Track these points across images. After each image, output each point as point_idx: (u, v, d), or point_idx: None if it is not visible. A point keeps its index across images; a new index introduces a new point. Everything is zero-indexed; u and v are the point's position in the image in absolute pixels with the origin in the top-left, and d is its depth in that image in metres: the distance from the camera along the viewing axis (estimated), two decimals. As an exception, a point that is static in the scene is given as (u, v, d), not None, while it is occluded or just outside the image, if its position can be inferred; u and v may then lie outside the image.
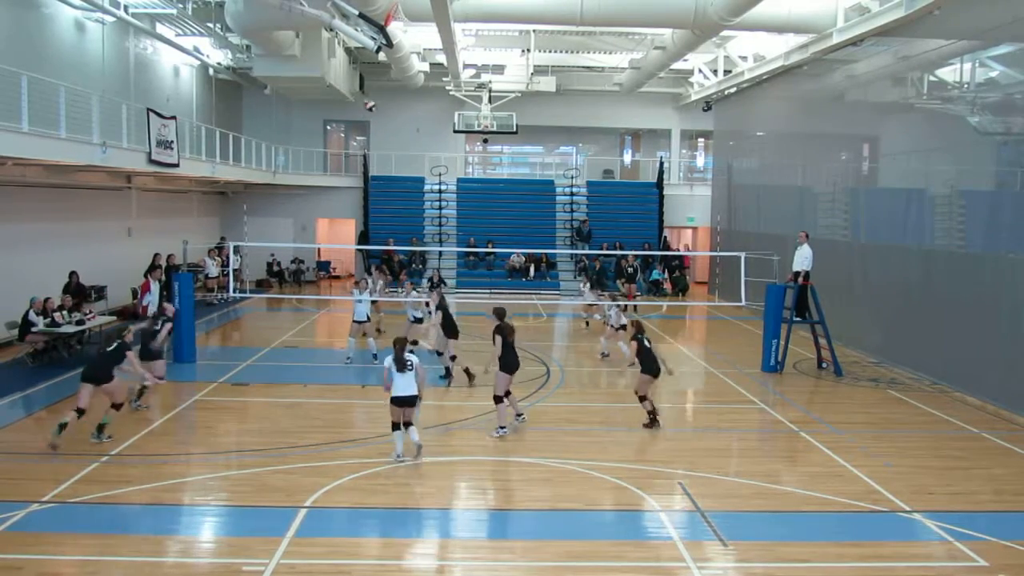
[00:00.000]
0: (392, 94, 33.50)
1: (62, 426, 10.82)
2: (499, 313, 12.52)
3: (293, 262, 32.80)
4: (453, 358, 15.18)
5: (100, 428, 11.29)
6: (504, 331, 12.06)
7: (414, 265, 31.34)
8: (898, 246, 18.36)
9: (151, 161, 19.85)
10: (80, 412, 10.98)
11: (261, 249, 30.44)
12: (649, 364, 12.50)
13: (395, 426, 10.72)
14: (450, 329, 15.08)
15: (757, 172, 28.27)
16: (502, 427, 11.99)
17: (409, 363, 10.66)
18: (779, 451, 12.01)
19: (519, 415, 12.48)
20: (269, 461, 10.61)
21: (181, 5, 22.59)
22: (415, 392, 10.69)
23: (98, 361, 11.46)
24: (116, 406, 11.39)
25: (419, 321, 17.62)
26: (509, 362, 12.02)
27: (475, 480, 10.48)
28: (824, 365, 17.12)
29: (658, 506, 9.41)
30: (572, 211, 33.46)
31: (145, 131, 19.72)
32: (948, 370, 15.77)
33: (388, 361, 10.71)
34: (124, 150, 18.69)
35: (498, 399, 12.02)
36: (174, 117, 21.26)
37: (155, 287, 17.87)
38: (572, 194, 33.95)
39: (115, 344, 11.52)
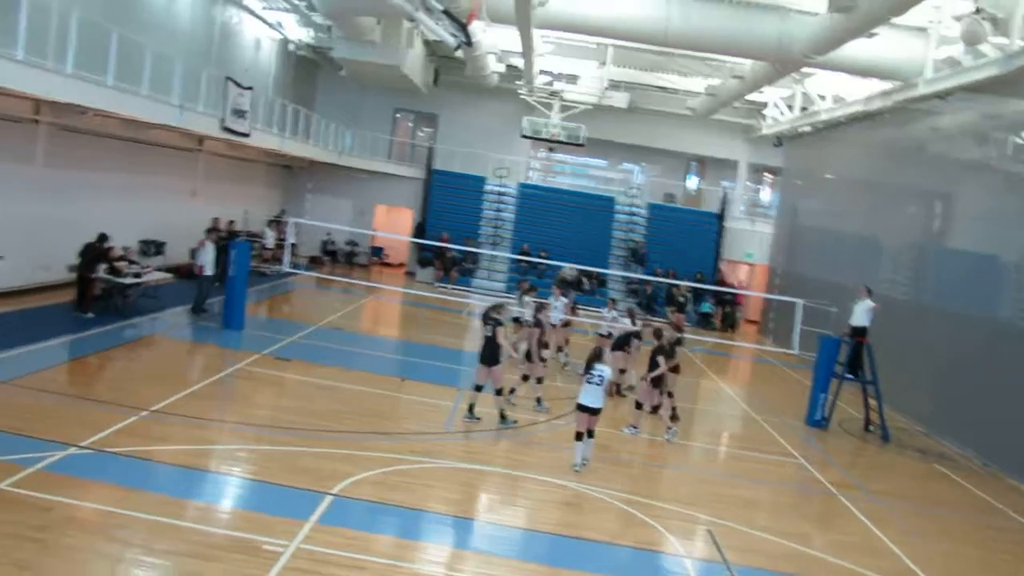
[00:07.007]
0: (464, 91, 33.59)
1: (471, 407, 12.75)
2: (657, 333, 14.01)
3: (348, 243, 33.07)
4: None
5: (471, 408, 12.83)
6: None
7: (466, 264, 31.39)
8: (963, 313, 17.72)
9: (224, 128, 20.15)
10: (477, 388, 12.76)
11: (317, 227, 30.69)
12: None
13: (578, 436, 11.23)
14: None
15: (823, 215, 27.74)
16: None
17: (598, 375, 11.12)
18: (813, 512, 11.67)
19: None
20: (300, 441, 10.63)
21: (271, -21, 22.93)
22: (598, 405, 11.17)
23: (486, 345, 12.65)
24: (497, 390, 12.83)
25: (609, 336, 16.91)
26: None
27: (501, 493, 10.38)
28: (871, 428, 16.56)
29: (682, 550, 9.19)
30: (629, 231, 33.18)
31: (222, 98, 20.03)
32: (1002, 453, 15.06)
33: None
34: (200, 114, 18.99)
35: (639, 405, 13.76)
36: (251, 88, 21.54)
37: (209, 246, 18.09)
38: (631, 214, 33.67)
39: (491, 327, 12.61)
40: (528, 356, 14.23)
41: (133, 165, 20.35)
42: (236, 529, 7.93)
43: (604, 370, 11.24)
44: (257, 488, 9.06)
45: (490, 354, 12.58)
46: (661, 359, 13.42)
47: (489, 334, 12.61)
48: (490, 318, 12.70)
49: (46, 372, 12.08)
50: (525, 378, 14.28)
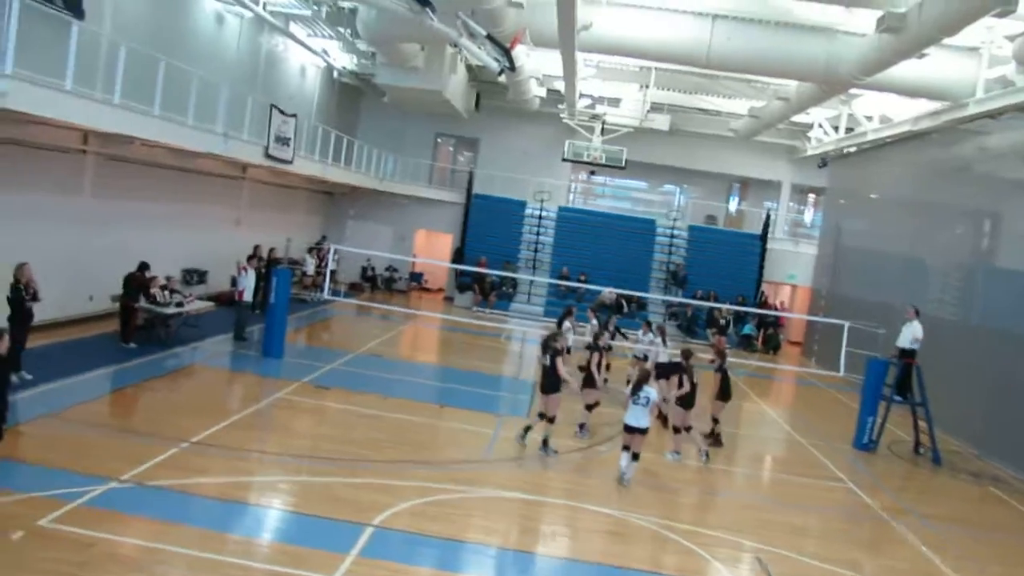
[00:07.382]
0: (505, 115, 33.69)
1: (526, 430, 12.86)
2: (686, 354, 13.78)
3: (387, 269, 33.23)
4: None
5: (526, 429, 12.96)
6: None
7: (505, 288, 31.32)
8: (1015, 333, 17.19)
9: (267, 156, 20.42)
10: (540, 416, 12.79)
11: (358, 253, 30.85)
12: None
13: (624, 447, 11.72)
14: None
15: (868, 236, 27.22)
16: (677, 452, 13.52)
17: (644, 396, 11.53)
18: (864, 538, 11.31)
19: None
20: (340, 471, 10.59)
21: (316, 7, 23.26)
22: (644, 425, 11.56)
23: (545, 374, 12.76)
24: (549, 419, 12.67)
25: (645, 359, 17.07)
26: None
27: (543, 522, 10.23)
28: (922, 451, 16.11)
29: (731, 581, 8.96)
30: (670, 253, 32.90)
31: (266, 125, 20.30)
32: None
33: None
34: (244, 142, 19.28)
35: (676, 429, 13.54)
36: (294, 115, 21.82)
37: (251, 272, 18.36)
38: (672, 236, 33.38)
39: (550, 355, 12.60)
40: (588, 382, 14.18)
41: (178, 194, 20.65)
42: (276, 563, 7.88)
43: (651, 392, 11.60)
44: (297, 521, 9.01)
45: (549, 383, 12.64)
46: (685, 379, 13.38)
47: (547, 363, 12.66)
48: (549, 347, 12.72)
49: (89, 404, 12.22)
50: (594, 406, 14.33)
